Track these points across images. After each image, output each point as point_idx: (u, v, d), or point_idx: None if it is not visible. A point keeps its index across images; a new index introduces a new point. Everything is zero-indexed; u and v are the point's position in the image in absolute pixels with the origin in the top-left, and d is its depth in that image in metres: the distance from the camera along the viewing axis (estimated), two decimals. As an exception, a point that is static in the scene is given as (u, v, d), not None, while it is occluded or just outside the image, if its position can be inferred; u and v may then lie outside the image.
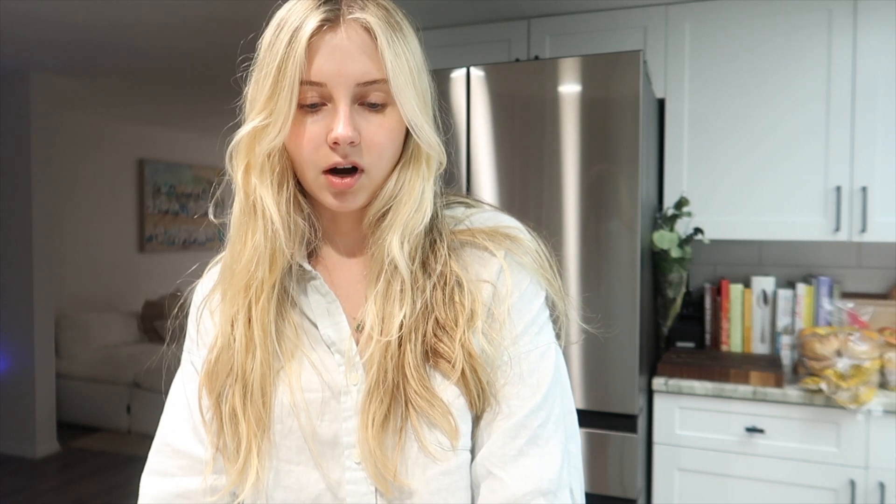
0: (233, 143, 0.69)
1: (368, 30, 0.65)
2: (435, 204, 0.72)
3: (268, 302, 0.70)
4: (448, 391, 0.66)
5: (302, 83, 0.64)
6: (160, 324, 5.33)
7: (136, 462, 3.99)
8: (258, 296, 0.69)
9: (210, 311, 0.75)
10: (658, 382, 2.07)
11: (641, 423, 1.95)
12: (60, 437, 4.19)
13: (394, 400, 0.66)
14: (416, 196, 0.69)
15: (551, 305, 0.75)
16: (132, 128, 5.65)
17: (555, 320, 0.75)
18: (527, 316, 0.71)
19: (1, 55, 3.48)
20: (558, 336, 0.75)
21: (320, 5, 0.65)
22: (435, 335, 0.67)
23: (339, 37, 0.64)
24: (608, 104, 1.83)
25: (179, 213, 6.14)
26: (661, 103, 2.34)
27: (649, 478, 2.12)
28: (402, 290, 0.68)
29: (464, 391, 0.66)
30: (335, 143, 0.64)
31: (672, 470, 2.08)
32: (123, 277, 5.58)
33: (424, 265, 0.70)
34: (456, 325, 0.67)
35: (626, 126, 1.81)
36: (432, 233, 0.71)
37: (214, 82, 3.95)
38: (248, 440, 0.68)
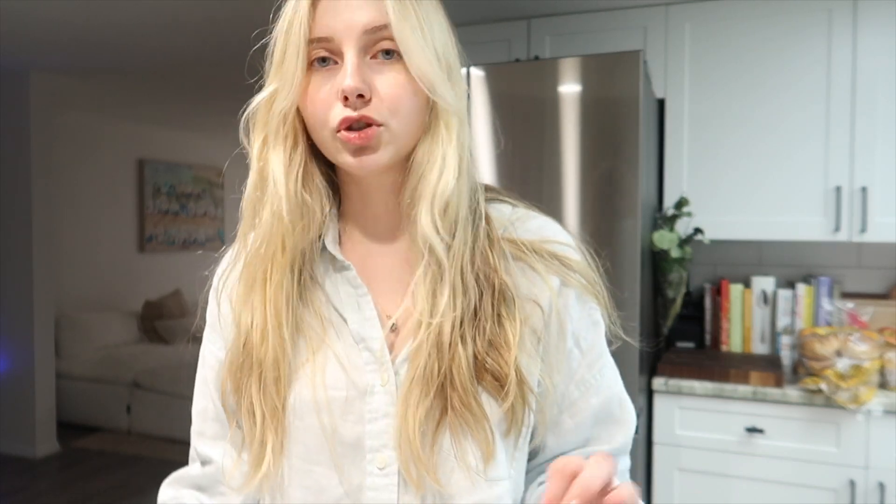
0: (247, 113, 0.67)
1: None
2: (475, 180, 0.68)
3: (281, 284, 0.66)
4: (495, 415, 0.63)
5: (311, 42, 0.62)
6: (160, 324, 5.33)
7: (136, 462, 3.99)
8: (271, 276, 0.66)
9: (228, 297, 0.71)
10: (658, 382, 2.07)
11: (641, 423, 1.95)
12: (60, 437, 4.19)
13: (436, 399, 0.62)
14: (439, 163, 0.64)
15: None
16: (132, 128, 5.64)
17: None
18: (596, 349, 0.72)
19: (1, 55, 3.48)
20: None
21: None
22: (487, 352, 0.63)
23: None
24: (608, 104, 1.83)
25: (179, 213, 6.14)
26: (661, 103, 2.34)
27: (649, 478, 2.12)
28: (444, 272, 0.64)
29: (509, 418, 0.64)
30: (344, 97, 0.61)
31: (672, 470, 2.08)
32: (123, 277, 5.58)
33: (472, 263, 0.65)
34: (505, 344, 0.64)
35: (627, 126, 1.81)
36: (477, 227, 0.67)
37: (214, 82, 3.96)
38: (263, 432, 0.66)
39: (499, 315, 0.65)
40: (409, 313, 0.66)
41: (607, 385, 0.73)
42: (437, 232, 0.63)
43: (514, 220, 0.71)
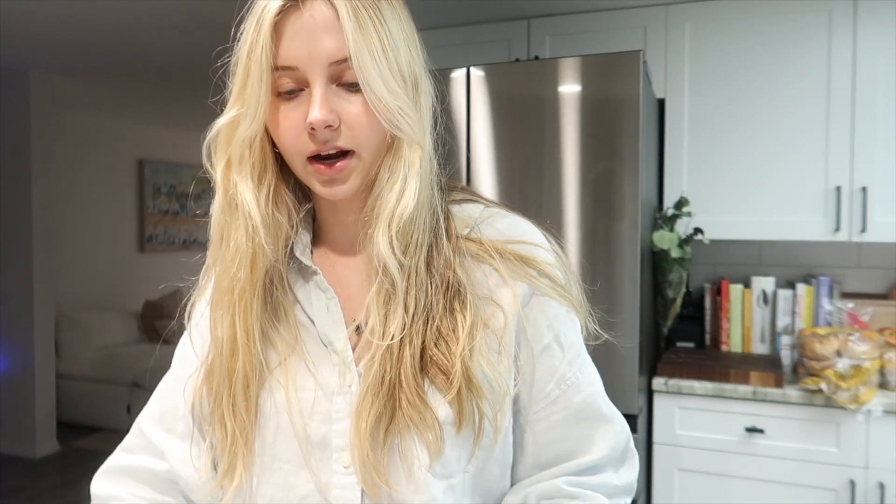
0: (209, 137, 0.68)
1: (332, 4, 0.61)
2: (434, 196, 0.68)
3: (251, 303, 0.67)
4: (442, 409, 0.63)
5: (275, 69, 0.62)
6: (160, 324, 5.32)
7: (136, 462, 3.98)
8: (241, 297, 0.67)
9: (202, 318, 0.74)
10: (658, 382, 2.07)
11: (641, 423, 1.95)
12: (60, 437, 4.19)
13: (387, 404, 0.63)
14: (399, 186, 0.64)
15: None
16: (132, 128, 5.64)
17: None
18: (576, 346, 0.72)
19: (1, 55, 3.48)
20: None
21: None
22: (435, 345, 0.64)
23: (305, 16, 0.61)
24: (608, 104, 1.83)
25: (179, 213, 6.13)
26: (661, 103, 2.34)
27: (649, 478, 2.12)
28: (398, 291, 0.64)
29: (456, 412, 0.63)
30: (311, 128, 0.62)
31: (672, 470, 2.08)
32: (123, 277, 5.58)
33: (428, 265, 0.66)
34: (454, 337, 0.64)
35: (627, 126, 1.81)
36: (437, 230, 0.68)
37: (215, 82, 3.95)
38: (234, 443, 0.68)
39: (451, 309, 0.65)
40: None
41: (588, 382, 0.73)
42: (393, 253, 0.63)
43: (483, 220, 0.71)
